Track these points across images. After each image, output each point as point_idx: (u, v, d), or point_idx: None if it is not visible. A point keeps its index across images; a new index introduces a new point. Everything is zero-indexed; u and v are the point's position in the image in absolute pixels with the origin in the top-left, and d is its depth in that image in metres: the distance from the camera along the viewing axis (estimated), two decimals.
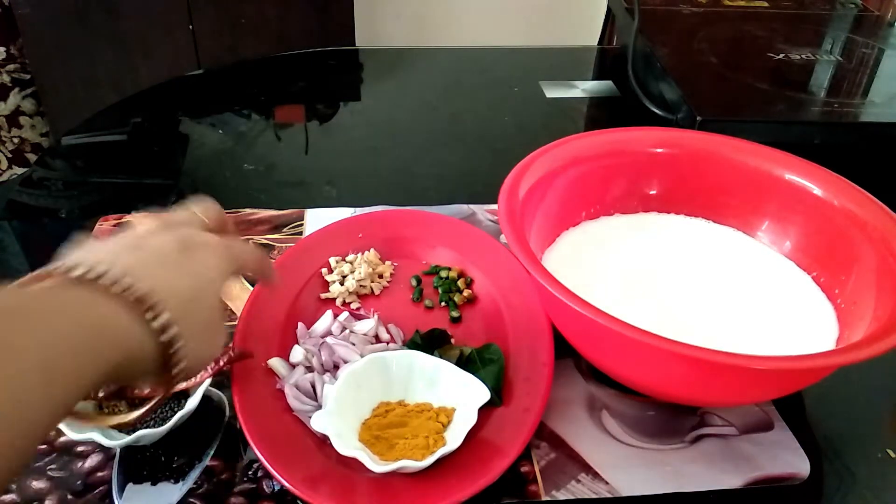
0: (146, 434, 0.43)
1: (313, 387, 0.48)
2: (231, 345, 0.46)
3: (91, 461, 0.45)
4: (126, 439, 0.43)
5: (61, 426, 0.43)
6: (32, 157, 1.67)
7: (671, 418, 0.49)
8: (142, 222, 0.37)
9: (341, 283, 0.56)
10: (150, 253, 0.33)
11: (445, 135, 0.84)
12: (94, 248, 0.34)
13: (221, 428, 0.47)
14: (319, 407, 0.46)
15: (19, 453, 0.25)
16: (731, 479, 0.45)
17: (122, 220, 0.65)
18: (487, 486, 0.42)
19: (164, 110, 0.86)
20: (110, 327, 0.29)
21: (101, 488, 0.43)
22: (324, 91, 0.93)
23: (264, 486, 0.43)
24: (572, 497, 0.44)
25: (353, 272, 0.57)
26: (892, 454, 0.47)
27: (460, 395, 0.45)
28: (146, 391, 0.39)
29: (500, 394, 0.47)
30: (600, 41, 1.33)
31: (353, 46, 1.65)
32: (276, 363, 0.49)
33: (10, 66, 1.59)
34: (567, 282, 0.42)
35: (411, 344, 0.51)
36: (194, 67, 1.54)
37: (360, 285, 0.56)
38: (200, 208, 0.40)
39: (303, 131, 0.84)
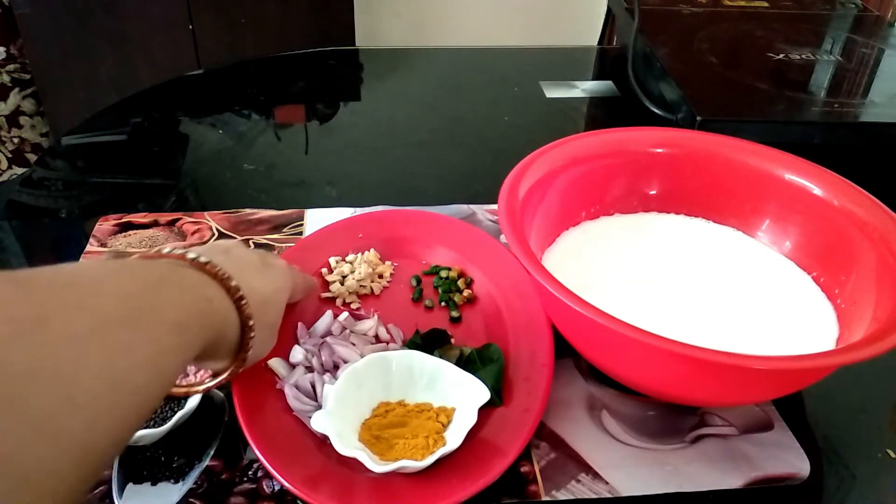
0: (146, 434, 0.43)
1: (313, 387, 0.48)
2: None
3: None
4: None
5: None
6: (32, 157, 1.67)
7: (671, 418, 0.49)
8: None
9: (341, 283, 0.56)
10: (237, 259, 0.39)
11: (445, 135, 0.84)
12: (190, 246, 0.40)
13: (221, 428, 0.47)
14: (319, 407, 0.46)
15: (154, 399, 0.29)
16: (731, 479, 0.45)
17: (123, 220, 0.65)
18: (487, 486, 0.42)
19: (164, 110, 0.86)
20: (216, 307, 0.34)
21: (100, 488, 0.43)
22: (324, 91, 0.93)
23: (264, 486, 0.43)
24: (572, 497, 0.44)
25: (353, 272, 0.57)
26: (892, 454, 0.47)
27: (460, 395, 0.45)
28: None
29: (500, 394, 0.47)
30: (600, 41, 1.33)
31: (353, 46, 1.65)
32: (275, 363, 0.49)
33: (10, 66, 1.59)
34: (567, 282, 0.42)
35: (411, 344, 0.51)
36: (194, 67, 1.54)
37: (361, 285, 0.56)
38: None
39: (303, 131, 0.84)
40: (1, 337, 0.22)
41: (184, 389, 0.41)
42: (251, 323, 0.36)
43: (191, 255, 0.35)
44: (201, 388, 0.41)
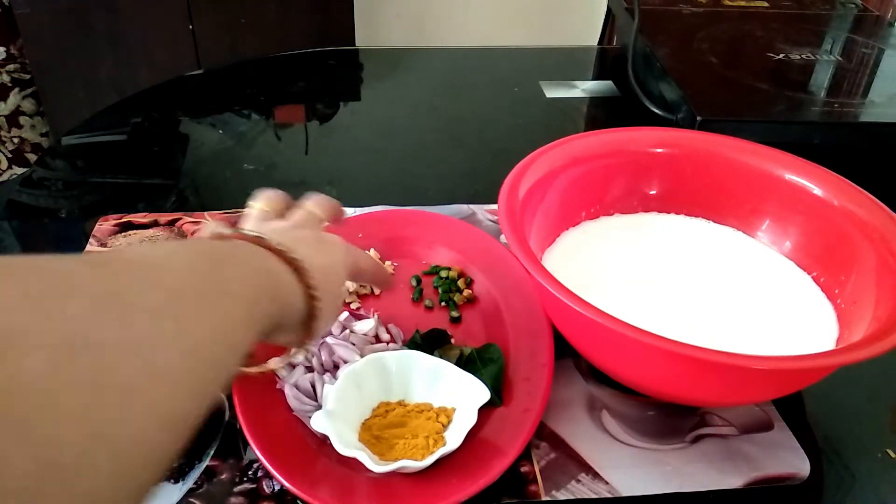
0: None
1: (313, 387, 0.48)
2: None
3: None
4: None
5: None
6: (32, 157, 1.67)
7: (671, 418, 0.49)
8: (268, 218, 0.44)
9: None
10: (292, 234, 0.40)
11: (445, 135, 0.84)
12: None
13: (221, 428, 0.47)
14: (319, 407, 0.46)
15: (226, 373, 0.29)
16: (731, 479, 0.45)
17: (123, 220, 0.65)
18: (487, 486, 0.42)
19: (164, 110, 0.86)
20: (280, 279, 0.35)
21: None
22: (324, 91, 0.93)
23: (264, 486, 0.43)
24: (572, 497, 0.44)
25: None
26: (892, 454, 0.47)
27: (460, 395, 0.45)
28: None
29: (500, 394, 0.47)
30: (600, 41, 1.33)
31: (353, 46, 1.65)
32: (276, 363, 0.48)
33: (10, 66, 1.59)
34: (567, 282, 0.42)
35: (411, 344, 0.51)
36: (194, 67, 1.54)
37: (361, 285, 0.56)
38: (316, 205, 0.47)
39: (303, 131, 0.84)
40: (83, 312, 0.22)
41: (257, 368, 0.42)
42: (316, 293, 0.37)
43: (249, 233, 0.36)
44: (276, 363, 0.41)
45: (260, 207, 0.46)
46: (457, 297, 0.55)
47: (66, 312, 0.22)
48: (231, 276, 0.31)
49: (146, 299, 0.25)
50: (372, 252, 0.59)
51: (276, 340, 0.40)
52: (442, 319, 0.54)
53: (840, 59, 0.85)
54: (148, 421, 0.23)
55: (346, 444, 0.41)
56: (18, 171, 1.67)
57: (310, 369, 0.49)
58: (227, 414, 0.48)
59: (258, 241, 0.36)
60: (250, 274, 0.33)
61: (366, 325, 0.52)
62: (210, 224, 0.46)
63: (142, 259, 0.28)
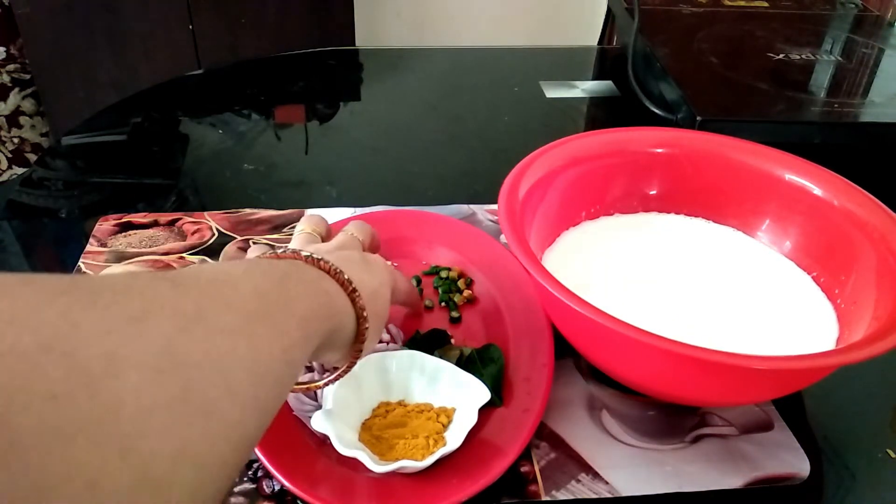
0: None
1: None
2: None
3: None
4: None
5: None
6: (32, 157, 1.67)
7: (671, 418, 0.49)
8: (316, 243, 0.46)
9: None
10: (342, 258, 0.40)
11: (445, 135, 0.84)
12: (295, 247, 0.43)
13: None
14: (319, 407, 0.46)
15: (287, 390, 0.30)
16: (731, 479, 0.45)
17: (123, 220, 0.65)
18: (487, 486, 0.42)
19: (164, 110, 0.86)
20: (334, 300, 0.36)
21: None
22: (324, 91, 0.93)
23: (264, 486, 0.43)
24: (572, 497, 0.44)
25: None
26: (892, 454, 0.47)
27: (460, 395, 0.45)
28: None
29: (500, 394, 0.47)
30: (600, 41, 1.33)
31: (353, 46, 1.65)
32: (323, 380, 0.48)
33: (10, 66, 1.59)
34: (567, 282, 0.42)
35: (411, 344, 0.51)
36: (194, 67, 1.54)
37: None
38: (357, 230, 0.49)
39: (303, 131, 0.84)
40: (172, 329, 0.24)
41: (304, 386, 0.42)
42: (365, 314, 0.38)
43: (305, 253, 0.37)
44: (322, 382, 0.41)
45: (305, 230, 0.48)
46: (457, 297, 0.55)
47: (157, 333, 0.23)
48: (293, 295, 0.32)
49: (224, 320, 0.26)
50: None
51: (321, 359, 0.40)
52: (442, 319, 0.54)
53: (840, 59, 0.85)
54: (225, 439, 0.24)
55: (346, 444, 0.41)
56: (18, 171, 1.67)
57: (309, 369, 0.49)
58: None
59: (315, 262, 0.37)
60: (310, 294, 0.34)
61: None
62: (256, 247, 0.47)
63: (216, 279, 0.29)
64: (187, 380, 0.23)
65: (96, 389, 0.20)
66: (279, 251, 0.39)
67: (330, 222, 0.61)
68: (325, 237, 0.49)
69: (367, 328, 0.38)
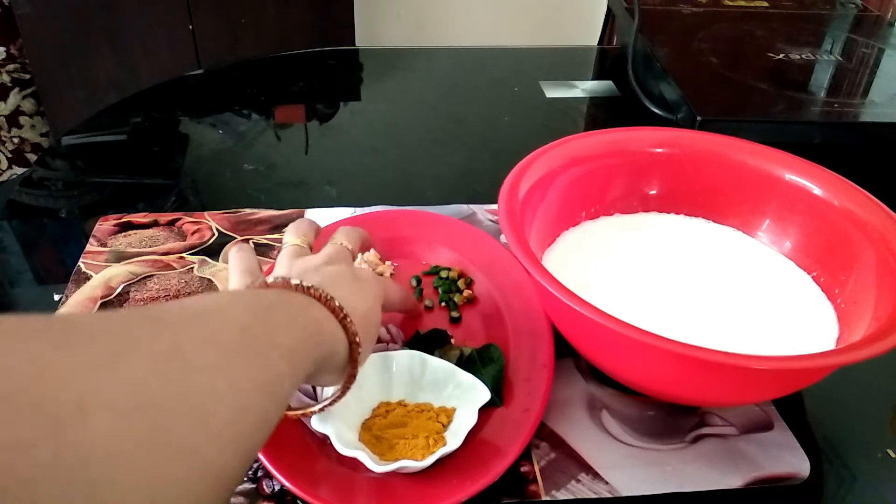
0: None
1: (313, 387, 0.47)
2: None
3: None
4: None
5: None
6: (32, 157, 1.67)
7: (671, 418, 0.49)
8: (305, 255, 0.45)
9: None
10: (332, 276, 0.40)
11: (445, 135, 0.84)
12: (284, 269, 0.42)
13: None
14: None
15: (272, 423, 0.30)
16: (731, 479, 0.45)
17: (123, 220, 0.66)
18: (487, 486, 0.42)
19: (164, 110, 0.86)
20: (324, 327, 0.36)
21: None
22: (324, 91, 0.93)
23: (264, 486, 0.43)
24: (572, 497, 0.44)
25: None
26: (892, 454, 0.47)
27: (460, 395, 0.45)
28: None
29: (500, 394, 0.47)
30: (600, 41, 1.33)
31: (353, 46, 1.65)
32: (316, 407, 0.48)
33: (10, 66, 1.59)
34: (567, 282, 0.42)
35: (411, 344, 0.51)
36: (194, 67, 1.54)
37: None
38: (346, 238, 0.47)
39: (303, 131, 0.84)
40: (145, 369, 0.23)
41: (299, 412, 0.41)
42: (357, 339, 0.37)
43: (294, 281, 0.37)
44: (316, 408, 0.41)
45: (292, 242, 0.46)
46: (457, 297, 0.55)
47: (130, 374, 0.22)
48: (279, 327, 0.32)
49: (202, 357, 0.26)
50: (371, 252, 0.59)
51: (316, 383, 0.41)
52: (442, 319, 0.54)
53: (840, 59, 0.85)
54: (201, 479, 0.24)
55: (346, 444, 0.41)
56: (18, 171, 1.67)
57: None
58: None
59: (304, 290, 0.36)
60: (298, 324, 0.33)
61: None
62: (238, 260, 0.45)
63: (198, 314, 0.29)
64: (161, 421, 0.22)
65: (63, 436, 0.19)
66: (269, 280, 0.38)
67: (330, 222, 0.61)
68: (315, 245, 0.48)
69: (360, 353, 0.38)
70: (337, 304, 0.37)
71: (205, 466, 0.24)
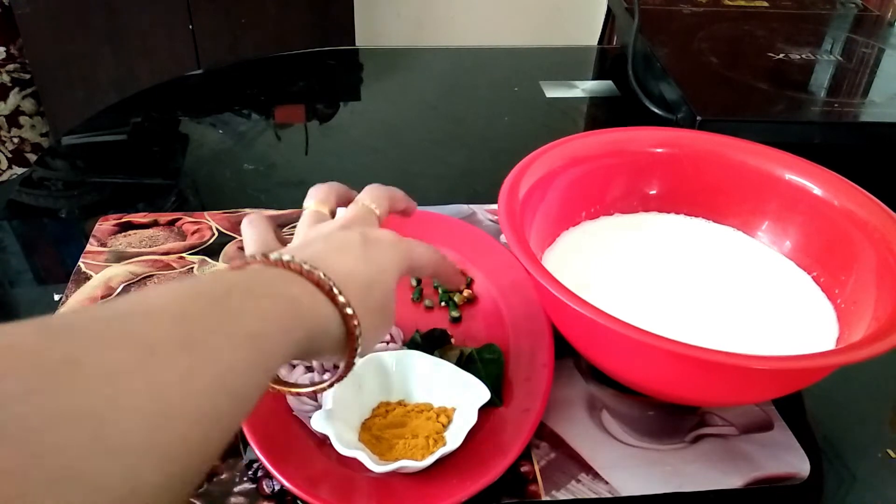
0: None
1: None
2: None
3: None
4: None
5: None
6: (32, 157, 1.67)
7: (671, 418, 0.49)
8: (324, 221, 0.42)
9: None
10: (335, 243, 0.37)
11: (445, 135, 0.84)
12: (299, 238, 0.41)
13: None
14: (319, 407, 0.46)
15: (228, 419, 0.27)
16: (731, 479, 0.45)
17: (123, 220, 0.65)
18: (487, 486, 0.42)
19: (164, 110, 0.86)
20: (304, 304, 0.33)
21: None
22: (324, 91, 0.93)
23: (264, 486, 0.43)
24: (572, 497, 0.44)
25: None
26: (892, 454, 0.47)
27: (460, 395, 0.45)
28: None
29: (500, 394, 0.47)
30: (600, 41, 1.33)
31: (353, 46, 1.65)
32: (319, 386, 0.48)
33: (10, 66, 1.59)
34: (567, 282, 0.42)
35: (411, 344, 0.51)
36: (194, 67, 1.54)
37: None
38: (372, 199, 0.45)
39: (303, 131, 0.84)
40: (22, 391, 0.20)
41: (304, 389, 0.39)
42: (349, 311, 0.34)
43: (273, 256, 0.34)
44: (322, 386, 0.39)
45: (311, 208, 0.44)
46: (457, 297, 0.55)
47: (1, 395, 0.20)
48: (232, 313, 0.29)
49: (108, 362, 0.23)
50: None
51: (319, 361, 0.38)
52: (442, 319, 0.54)
53: (840, 59, 0.85)
54: (93, 501, 0.20)
55: (346, 444, 0.41)
56: (18, 171, 1.67)
57: (309, 369, 0.49)
58: None
59: (282, 264, 0.33)
60: (262, 306, 0.30)
61: None
62: (251, 232, 0.42)
63: (122, 310, 0.26)
64: (32, 446, 0.19)
65: None
66: (248, 258, 0.35)
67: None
68: (338, 207, 0.45)
69: (356, 325, 0.35)
70: (320, 275, 0.33)
71: (101, 487, 0.21)
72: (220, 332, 0.27)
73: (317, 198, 0.45)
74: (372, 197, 0.45)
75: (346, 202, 0.45)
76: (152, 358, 0.24)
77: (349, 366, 0.37)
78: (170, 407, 0.24)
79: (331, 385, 0.39)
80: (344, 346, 0.36)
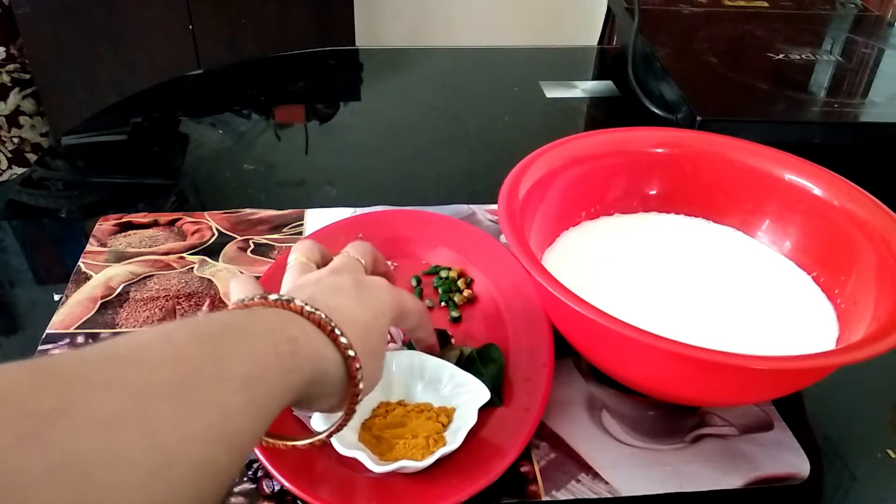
0: None
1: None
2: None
3: None
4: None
5: None
6: (32, 157, 1.67)
7: (671, 418, 0.49)
8: (311, 271, 0.41)
9: None
10: (330, 287, 0.37)
11: (445, 135, 0.84)
12: (287, 285, 0.40)
13: None
14: None
15: (224, 469, 0.26)
16: (731, 479, 0.45)
17: (123, 220, 0.65)
18: (487, 486, 0.42)
19: (164, 110, 0.86)
20: (304, 345, 0.31)
21: None
22: (324, 91, 0.93)
23: (264, 486, 0.43)
24: (572, 497, 0.44)
25: None
26: (892, 454, 0.47)
27: (460, 395, 0.45)
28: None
29: (500, 394, 0.47)
30: (600, 41, 1.33)
31: (353, 46, 1.65)
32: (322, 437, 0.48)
33: (10, 66, 1.59)
34: (567, 282, 0.42)
35: (411, 344, 0.51)
36: (194, 67, 1.54)
37: None
38: (357, 252, 0.44)
39: (303, 131, 0.84)
40: (13, 441, 0.19)
41: (301, 442, 0.37)
42: (351, 353, 0.33)
43: (272, 297, 0.33)
44: (321, 437, 0.37)
45: (298, 259, 0.43)
46: (457, 297, 0.55)
47: None
48: (227, 355, 0.27)
49: (100, 409, 0.22)
50: None
51: (311, 409, 0.36)
52: (442, 319, 0.54)
53: (840, 59, 0.85)
54: None
55: (346, 444, 0.41)
56: (18, 171, 1.67)
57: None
58: None
59: (283, 304, 0.32)
60: (260, 347, 0.29)
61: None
62: (238, 286, 0.40)
63: (113, 353, 0.25)
64: (24, 499, 0.19)
65: None
66: (247, 300, 0.34)
67: (330, 222, 0.61)
68: (322, 263, 0.44)
69: (358, 368, 0.33)
70: (321, 316, 0.32)
71: None
72: (213, 376, 0.26)
73: (301, 251, 0.44)
74: (357, 250, 0.44)
75: (328, 260, 0.44)
76: (145, 405, 0.23)
77: (350, 412, 0.36)
78: (163, 457, 0.23)
79: (329, 435, 0.37)
80: (344, 391, 0.34)
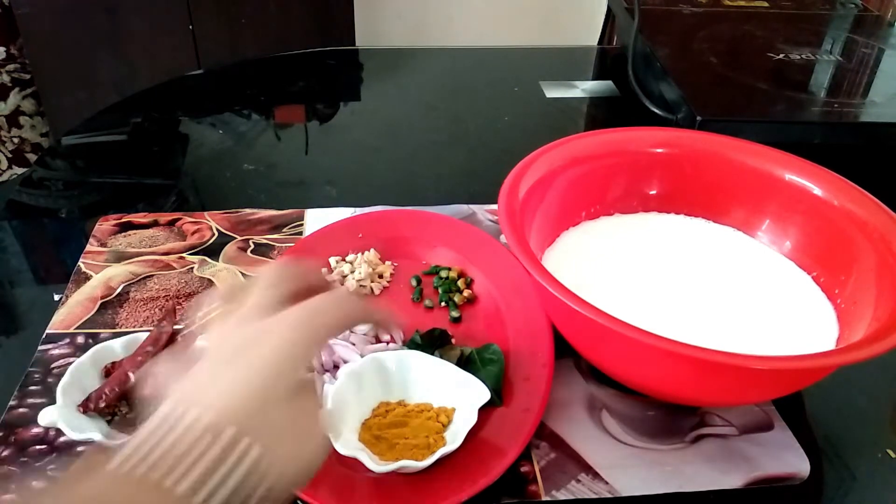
0: None
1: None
2: None
3: None
4: (127, 440, 0.42)
5: (61, 426, 0.43)
6: (32, 157, 1.67)
7: (671, 418, 0.49)
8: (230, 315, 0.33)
9: (341, 283, 0.56)
10: (267, 426, 0.29)
11: (445, 135, 0.84)
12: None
13: None
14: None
15: None
16: (731, 479, 0.45)
17: (123, 220, 0.65)
18: (487, 486, 0.42)
19: (164, 110, 0.86)
20: None
21: None
22: (324, 91, 0.93)
23: None
24: (572, 497, 0.44)
25: (352, 272, 0.57)
26: (892, 454, 0.47)
27: (460, 395, 0.45)
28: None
29: (500, 394, 0.47)
30: (600, 41, 1.33)
31: (353, 46, 1.65)
32: None
33: (10, 66, 1.59)
34: (567, 282, 0.42)
35: (411, 344, 0.51)
36: (194, 67, 1.54)
37: (360, 285, 0.56)
38: (267, 283, 0.34)
39: (303, 131, 0.84)
40: None
41: None
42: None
43: (113, 465, 0.28)
44: None
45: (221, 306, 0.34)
46: (457, 297, 0.55)
47: None
48: None
49: None
50: (371, 252, 0.59)
51: None
52: (442, 319, 0.54)
53: (840, 59, 0.85)
54: None
55: (346, 444, 0.41)
56: (18, 171, 1.67)
57: (309, 369, 0.49)
58: None
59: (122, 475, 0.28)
60: None
61: (365, 325, 0.52)
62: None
63: None
64: None
65: None
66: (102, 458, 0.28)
67: (330, 222, 0.61)
68: (289, 291, 0.34)
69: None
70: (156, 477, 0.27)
71: None
72: None
73: (227, 296, 0.35)
74: (267, 280, 0.34)
75: (300, 284, 0.35)
76: None
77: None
78: None
79: None
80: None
